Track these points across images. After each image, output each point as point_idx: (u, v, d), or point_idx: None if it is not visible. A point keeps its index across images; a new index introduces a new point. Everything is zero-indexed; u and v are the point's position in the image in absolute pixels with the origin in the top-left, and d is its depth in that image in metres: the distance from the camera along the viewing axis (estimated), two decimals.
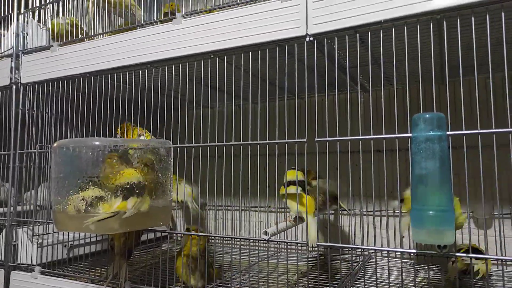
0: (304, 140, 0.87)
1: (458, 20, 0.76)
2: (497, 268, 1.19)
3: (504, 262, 1.09)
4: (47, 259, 1.26)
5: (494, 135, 0.72)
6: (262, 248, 1.55)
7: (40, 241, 1.26)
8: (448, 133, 0.71)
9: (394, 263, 1.30)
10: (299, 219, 1.03)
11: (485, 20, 0.75)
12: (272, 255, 1.47)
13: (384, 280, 1.14)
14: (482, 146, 0.72)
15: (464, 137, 0.74)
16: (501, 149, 0.72)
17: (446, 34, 0.79)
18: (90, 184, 0.86)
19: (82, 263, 1.28)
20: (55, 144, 0.93)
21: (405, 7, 0.77)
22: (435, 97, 0.79)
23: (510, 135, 0.70)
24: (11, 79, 1.34)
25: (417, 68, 0.81)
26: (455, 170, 0.74)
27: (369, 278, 1.14)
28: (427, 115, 0.71)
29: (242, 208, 1.54)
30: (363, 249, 1.09)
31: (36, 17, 1.40)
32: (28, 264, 1.26)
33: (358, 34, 0.85)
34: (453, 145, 0.73)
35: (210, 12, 0.99)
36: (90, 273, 1.19)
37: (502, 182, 0.71)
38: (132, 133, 1.23)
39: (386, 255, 1.33)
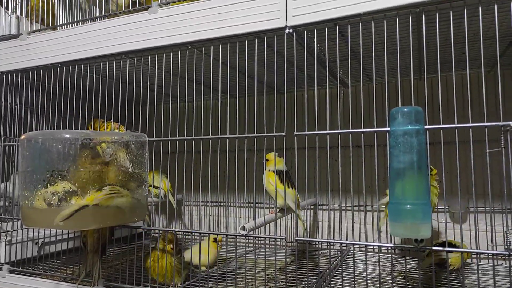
0: (283, 134, 0.85)
1: (437, 14, 0.76)
2: (471, 262, 1.21)
3: (478, 256, 1.12)
4: (15, 257, 1.20)
5: (470, 130, 0.72)
6: (240, 244, 1.54)
7: (8, 238, 1.21)
8: (425, 127, 0.71)
9: (372, 257, 1.30)
10: (284, 211, 1.02)
11: (463, 15, 0.75)
12: (250, 251, 1.46)
13: (362, 274, 1.14)
14: (459, 141, 0.72)
15: (441, 131, 0.74)
16: (476, 144, 0.72)
17: (424, 28, 0.78)
18: (59, 178, 0.82)
19: (54, 261, 1.24)
20: (22, 137, 0.88)
21: (385, 0, 0.77)
22: (413, 92, 0.79)
23: (485, 129, 0.71)
24: None
25: (396, 63, 0.81)
26: (432, 165, 0.74)
27: (347, 272, 1.14)
28: (405, 109, 0.71)
29: (221, 204, 1.52)
30: (341, 243, 1.09)
31: (4, 4, 1.33)
32: None
33: (337, 27, 0.84)
34: (430, 141, 0.73)
35: (187, 1, 0.96)
36: (62, 271, 1.15)
37: (477, 177, 0.71)
38: (104, 129, 1.18)
39: (364, 249, 1.34)
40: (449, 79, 1.25)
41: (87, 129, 1.21)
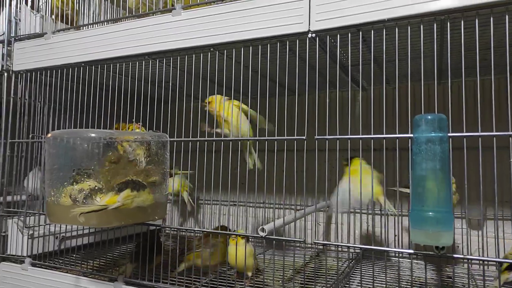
0: (304, 138, 0.86)
1: (462, 22, 0.76)
2: (487, 269, 1.21)
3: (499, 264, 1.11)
4: (37, 251, 1.24)
5: (494, 138, 0.72)
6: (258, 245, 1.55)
7: (31, 232, 1.24)
8: (449, 134, 0.71)
9: (388, 262, 1.31)
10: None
11: (489, 22, 0.75)
12: (267, 251, 1.47)
13: (377, 278, 1.15)
14: (482, 148, 0.72)
15: (464, 139, 0.74)
16: (497, 151, 0.72)
17: (449, 35, 0.78)
18: (85, 176, 0.85)
19: (74, 255, 1.27)
20: (49, 135, 0.91)
21: (409, 7, 0.77)
22: (437, 98, 0.79)
23: (510, 138, 0.70)
24: (2, 66, 1.30)
25: (417, 68, 0.81)
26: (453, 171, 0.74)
27: (363, 276, 1.14)
28: (429, 116, 0.71)
29: (240, 204, 1.54)
30: (361, 248, 1.09)
31: (29, 3, 1.36)
32: (18, 256, 1.24)
33: (361, 33, 0.85)
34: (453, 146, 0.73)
35: (210, 4, 0.97)
36: (82, 265, 1.17)
37: (497, 184, 0.71)
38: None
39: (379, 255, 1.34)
40: (471, 85, 1.24)
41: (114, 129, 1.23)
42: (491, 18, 0.74)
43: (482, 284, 0.83)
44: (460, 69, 0.76)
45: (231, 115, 0.99)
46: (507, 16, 0.73)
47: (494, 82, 0.78)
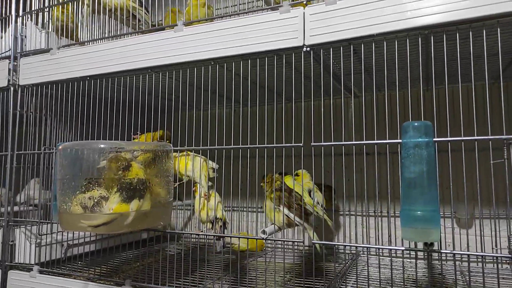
0: (301, 144, 0.92)
1: (444, 36, 0.83)
2: (477, 265, 1.27)
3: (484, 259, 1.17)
4: (45, 259, 1.28)
5: (476, 142, 0.78)
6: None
7: (38, 240, 1.28)
8: (434, 139, 0.77)
9: (382, 261, 1.36)
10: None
11: (469, 36, 0.82)
12: (266, 254, 1.52)
13: (371, 276, 1.20)
14: (464, 150, 0.78)
15: (448, 143, 0.80)
16: (481, 153, 0.79)
17: (433, 47, 0.85)
18: (96, 185, 0.90)
19: (79, 262, 1.31)
20: (60, 147, 0.96)
21: (395, 23, 0.84)
22: (422, 103, 0.86)
23: (490, 142, 0.77)
24: (8, 80, 1.36)
25: (406, 76, 0.87)
26: (439, 173, 0.80)
27: (359, 274, 1.20)
28: (416, 123, 0.78)
29: (240, 209, 1.59)
30: (356, 247, 1.15)
31: (34, 20, 1.42)
32: (25, 264, 1.28)
33: (352, 46, 0.91)
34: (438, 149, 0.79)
35: (211, 21, 1.03)
36: (90, 272, 1.22)
37: (482, 184, 0.77)
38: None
39: (373, 253, 1.40)
40: (455, 91, 1.32)
41: (133, 139, 1.29)
42: (470, 33, 0.81)
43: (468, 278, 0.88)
44: (446, 76, 0.83)
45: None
46: (484, 31, 0.80)
47: (473, 89, 0.84)
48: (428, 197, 0.75)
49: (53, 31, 1.43)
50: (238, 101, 1.33)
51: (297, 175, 1.17)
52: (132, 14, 1.30)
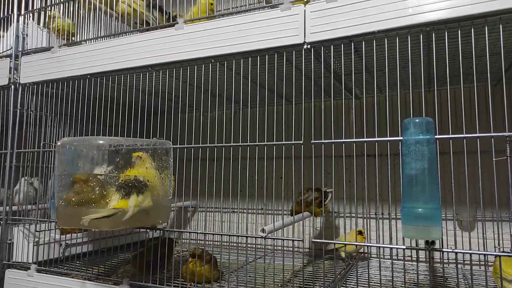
0: (301, 142, 0.91)
1: (446, 33, 0.82)
2: (479, 268, 1.26)
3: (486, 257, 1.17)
4: (43, 258, 1.27)
5: (478, 140, 0.77)
6: (258, 248, 1.59)
7: (36, 239, 1.27)
8: (436, 136, 0.76)
9: (383, 264, 1.35)
10: None
11: (471, 33, 0.81)
12: (267, 254, 1.51)
13: (372, 279, 1.19)
14: (467, 151, 0.77)
15: (450, 141, 0.79)
16: (483, 155, 0.78)
17: (434, 45, 0.84)
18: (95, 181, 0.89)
19: (77, 262, 1.30)
20: (58, 143, 0.95)
21: (396, 19, 0.83)
22: (423, 104, 0.85)
23: (492, 139, 0.76)
24: (9, 79, 1.36)
25: (405, 76, 0.86)
26: (441, 174, 0.79)
27: (361, 274, 1.18)
28: (417, 120, 0.77)
29: (239, 210, 1.58)
30: (357, 245, 1.14)
31: (36, 19, 1.42)
32: (23, 263, 1.27)
33: (352, 43, 0.91)
34: (439, 151, 0.78)
35: (212, 19, 1.03)
36: (87, 271, 1.21)
37: (485, 186, 0.76)
38: None
39: (374, 255, 1.38)
40: (457, 92, 1.31)
41: None
42: (472, 30, 0.81)
43: (471, 280, 0.87)
44: (448, 76, 0.82)
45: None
46: (486, 28, 0.79)
47: (476, 89, 0.83)
48: (429, 195, 0.73)
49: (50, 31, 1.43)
50: (238, 102, 1.32)
51: None
52: (145, 20, 1.30)
